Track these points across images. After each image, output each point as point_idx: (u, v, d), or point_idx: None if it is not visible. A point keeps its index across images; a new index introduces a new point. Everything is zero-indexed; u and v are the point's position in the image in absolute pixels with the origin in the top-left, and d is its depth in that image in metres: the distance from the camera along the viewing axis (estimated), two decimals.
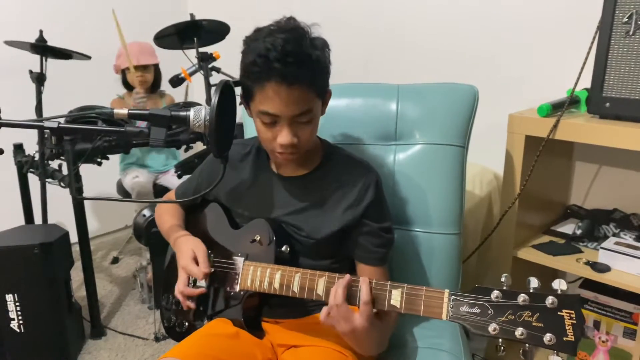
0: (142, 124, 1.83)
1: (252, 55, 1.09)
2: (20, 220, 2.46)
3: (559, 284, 0.83)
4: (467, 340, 1.39)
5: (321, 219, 1.21)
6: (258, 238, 1.19)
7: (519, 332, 0.83)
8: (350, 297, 1.02)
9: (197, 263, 1.21)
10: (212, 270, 1.22)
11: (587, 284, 1.78)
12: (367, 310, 1.00)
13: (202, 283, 1.24)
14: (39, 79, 2.29)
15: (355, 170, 1.22)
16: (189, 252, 1.23)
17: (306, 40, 1.10)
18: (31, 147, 2.32)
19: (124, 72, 2.62)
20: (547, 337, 0.81)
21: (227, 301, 1.23)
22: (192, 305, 1.23)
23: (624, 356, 1.72)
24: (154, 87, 2.71)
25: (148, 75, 2.61)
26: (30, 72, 2.30)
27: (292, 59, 1.05)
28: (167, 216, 1.41)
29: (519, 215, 1.72)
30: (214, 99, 1.08)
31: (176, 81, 2.40)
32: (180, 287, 1.22)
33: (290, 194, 1.25)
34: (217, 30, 2.37)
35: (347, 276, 1.03)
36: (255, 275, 1.16)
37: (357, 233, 1.20)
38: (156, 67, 2.68)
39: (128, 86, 2.65)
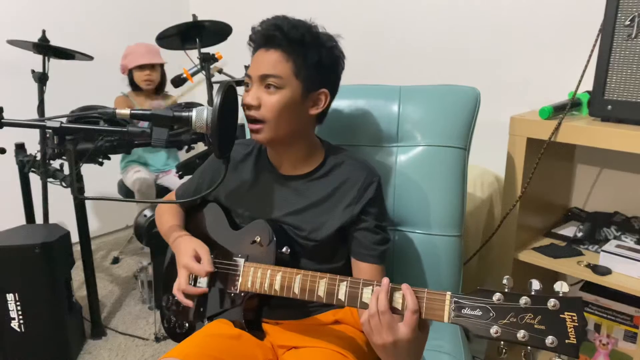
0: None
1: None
2: (21, 220, 2.46)
3: (561, 286, 0.83)
4: (467, 342, 1.39)
5: (321, 220, 1.21)
6: (258, 239, 1.19)
7: (521, 334, 0.83)
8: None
9: (198, 262, 1.21)
10: (215, 269, 1.22)
11: (588, 286, 1.78)
12: (414, 319, 0.92)
13: (203, 283, 1.24)
14: (41, 78, 2.30)
15: (356, 170, 1.22)
16: (190, 250, 1.23)
17: (306, 24, 1.16)
18: (33, 147, 2.32)
19: (130, 72, 2.62)
20: (549, 339, 0.81)
21: (228, 302, 1.22)
22: (190, 303, 1.22)
23: (625, 359, 1.72)
24: (158, 89, 2.72)
25: (155, 75, 2.63)
26: (33, 71, 2.30)
27: (278, 27, 1.13)
28: (167, 216, 1.41)
29: (520, 217, 1.72)
30: (216, 100, 1.08)
31: (178, 81, 2.41)
32: (182, 285, 1.21)
33: (290, 193, 1.25)
34: (219, 31, 2.38)
35: (386, 280, 0.96)
36: (255, 276, 1.16)
37: (355, 230, 1.20)
38: (162, 67, 2.69)
39: (135, 86, 2.65)
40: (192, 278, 1.26)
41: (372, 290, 0.99)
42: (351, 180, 1.20)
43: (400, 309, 0.95)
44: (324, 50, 1.16)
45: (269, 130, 1.16)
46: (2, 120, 1.15)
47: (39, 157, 2.23)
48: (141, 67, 2.59)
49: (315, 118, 1.23)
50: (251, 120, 1.17)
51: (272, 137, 1.18)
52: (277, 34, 1.13)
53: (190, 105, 2.26)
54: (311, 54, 1.14)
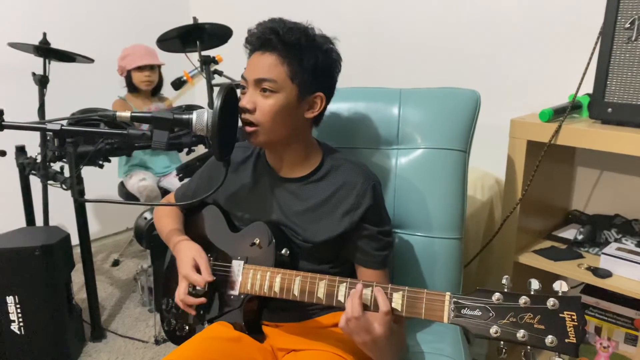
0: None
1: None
2: (22, 222, 2.46)
3: (560, 286, 0.83)
4: (468, 345, 1.39)
5: (320, 223, 1.20)
6: (257, 241, 1.19)
7: (521, 334, 0.83)
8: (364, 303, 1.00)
9: (198, 271, 1.21)
10: (214, 278, 1.21)
11: (589, 289, 1.78)
12: (387, 319, 0.98)
13: (201, 290, 1.23)
14: (42, 81, 2.30)
15: (353, 174, 1.21)
16: (189, 260, 1.22)
17: (302, 27, 1.15)
18: (33, 149, 2.32)
19: (129, 74, 2.63)
20: (549, 339, 0.81)
21: (228, 305, 1.22)
22: (192, 311, 1.23)
23: None
24: (155, 90, 2.73)
25: (154, 76, 2.65)
26: (33, 74, 2.31)
27: (274, 30, 1.12)
28: (167, 219, 1.41)
29: (520, 220, 1.72)
30: (217, 102, 1.08)
31: (178, 84, 2.41)
32: (181, 296, 1.21)
33: (289, 196, 1.24)
34: (219, 34, 2.38)
35: (360, 285, 1.01)
36: (255, 278, 1.16)
37: (356, 237, 1.19)
38: (159, 69, 2.70)
39: (133, 88, 2.66)
40: (191, 286, 1.25)
41: (372, 291, 1.00)
42: (348, 185, 1.19)
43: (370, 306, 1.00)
44: (320, 54, 1.16)
45: (264, 134, 1.16)
46: (3, 123, 1.15)
47: (39, 159, 2.23)
48: (140, 69, 2.60)
49: (311, 121, 1.22)
50: (246, 123, 1.17)
51: (266, 140, 1.18)
52: (273, 38, 1.12)
53: (190, 108, 2.27)
54: (307, 58, 1.14)
